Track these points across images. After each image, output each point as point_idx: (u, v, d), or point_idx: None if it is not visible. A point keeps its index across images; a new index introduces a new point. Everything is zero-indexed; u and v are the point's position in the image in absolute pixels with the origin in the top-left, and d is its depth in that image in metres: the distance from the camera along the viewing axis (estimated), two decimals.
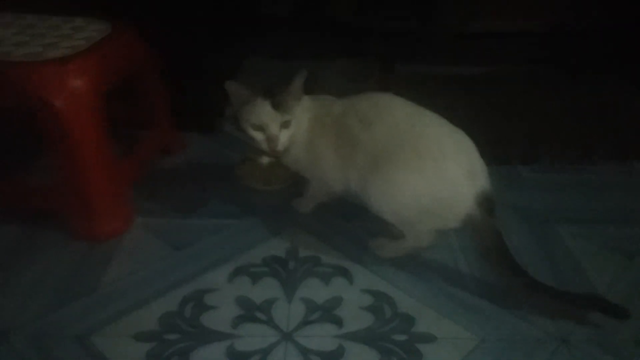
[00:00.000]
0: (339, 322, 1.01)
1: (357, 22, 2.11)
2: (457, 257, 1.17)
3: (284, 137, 1.08)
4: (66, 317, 1.02)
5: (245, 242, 1.21)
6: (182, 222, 1.27)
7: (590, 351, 0.95)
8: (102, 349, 0.95)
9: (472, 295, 1.07)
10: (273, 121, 1.07)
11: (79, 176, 1.14)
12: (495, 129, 1.60)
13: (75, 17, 1.28)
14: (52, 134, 1.09)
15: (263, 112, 1.07)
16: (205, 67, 1.60)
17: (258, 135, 1.09)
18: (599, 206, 1.34)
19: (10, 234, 1.23)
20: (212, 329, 1.00)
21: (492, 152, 1.10)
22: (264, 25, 2.08)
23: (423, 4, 2.14)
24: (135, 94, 1.38)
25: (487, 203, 1.01)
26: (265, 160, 1.45)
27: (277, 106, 1.07)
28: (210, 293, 1.07)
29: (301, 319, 1.02)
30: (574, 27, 2.14)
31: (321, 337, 0.98)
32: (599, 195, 1.39)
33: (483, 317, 1.02)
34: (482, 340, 0.98)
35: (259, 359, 0.94)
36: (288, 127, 1.09)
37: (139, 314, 1.02)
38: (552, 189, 1.41)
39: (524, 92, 1.89)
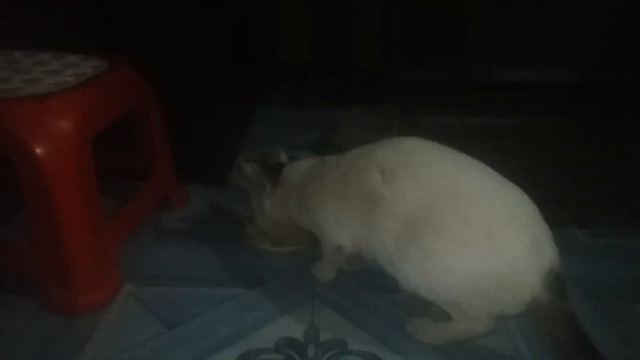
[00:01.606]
0: None
1: (378, 71, 1.98)
2: (518, 344, 0.94)
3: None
4: None
5: (254, 319, 0.99)
6: (179, 292, 1.06)
7: None
8: None
9: None
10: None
11: (56, 236, 0.94)
12: (537, 187, 1.42)
13: (68, 54, 1.13)
14: (28, 183, 0.91)
15: None
16: (215, 113, 1.44)
17: None
18: None
19: None
20: None
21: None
22: (279, 71, 1.95)
23: (448, 51, 2.02)
24: (132, 139, 1.21)
25: (556, 282, 0.80)
26: None
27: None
28: None
29: None
30: (607, 78, 2.00)
31: None
32: None
33: None
34: None
35: None
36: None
37: None
38: (616, 256, 1.19)
39: (562, 147, 1.72)
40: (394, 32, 1.97)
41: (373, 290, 1.07)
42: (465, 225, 0.81)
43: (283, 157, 1.18)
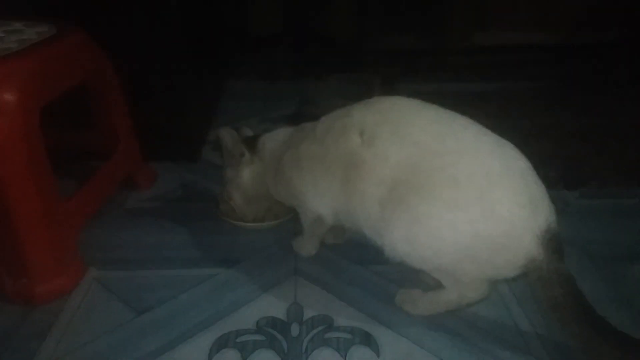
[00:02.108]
0: None
1: (354, 39, 1.89)
2: (514, 312, 0.89)
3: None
4: None
5: (232, 299, 0.92)
6: (149, 276, 0.97)
7: None
8: None
9: None
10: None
11: (7, 221, 0.85)
12: (524, 150, 1.38)
13: (13, 20, 1.02)
14: None
15: None
16: (183, 87, 1.34)
17: None
18: None
19: None
20: None
21: None
22: (250, 42, 1.85)
23: (426, 17, 1.94)
24: (90, 114, 1.11)
25: (553, 242, 0.74)
26: None
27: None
28: None
29: None
30: (590, 41, 1.95)
31: None
32: None
33: None
34: None
35: None
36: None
37: None
38: (608, 218, 1.15)
39: (547, 110, 1.68)
40: None
41: (359, 263, 1.00)
42: (454, 185, 0.75)
43: (247, 131, 1.09)
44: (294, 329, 0.86)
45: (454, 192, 0.74)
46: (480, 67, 1.90)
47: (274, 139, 1.03)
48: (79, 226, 0.97)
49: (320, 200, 0.91)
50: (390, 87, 1.73)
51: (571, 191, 1.24)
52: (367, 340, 0.84)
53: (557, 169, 1.31)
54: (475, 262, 0.76)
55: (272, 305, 0.91)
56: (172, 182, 1.28)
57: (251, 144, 1.04)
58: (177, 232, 1.09)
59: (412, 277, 0.92)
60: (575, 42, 1.97)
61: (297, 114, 1.61)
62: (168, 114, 1.29)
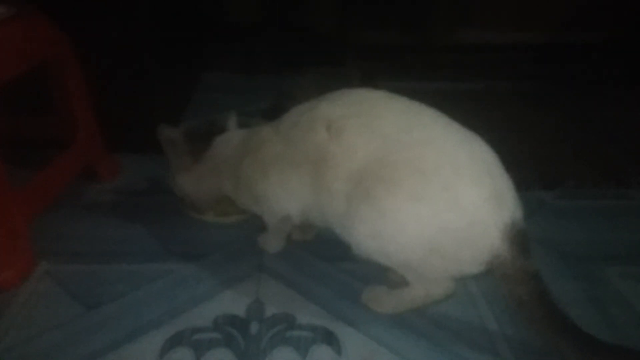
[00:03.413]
0: None
1: (336, 33, 1.86)
2: (481, 311, 0.86)
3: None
4: None
5: (190, 296, 0.88)
6: (103, 270, 0.93)
7: None
8: None
9: None
10: None
11: None
12: (504, 150, 1.35)
13: None
14: None
15: None
16: (152, 75, 1.29)
17: None
18: None
19: None
20: None
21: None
22: (227, 33, 1.80)
23: (410, 13, 1.91)
24: (49, 102, 1.05)
25: (518, 237, 0.72)
26: None
27: None
28: None
29: None
30: (575, 42, 1.94)
31: None
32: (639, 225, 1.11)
33: None
34: None
35: None
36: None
37: None
38: (583, 218, 1.13)
39: (527, 110, 1.66)
40: None
41: (326, 260, 0.97)
42: (420, 178, 0.72)
43: (233, 123, 1.04)
44: (254, 327, 0.82)
45: (420, 184, 0.72)
46: (463, 65, 1.88)
47: (227, 143, 0.98)
48: (30, 217, 0.91)
49: (289, 200, 0.87)
50: (370, 83, 1.70)
51: (548, 191, 1.22)
52: (329, 339, 0.80)
53: (534, 169, 1.29)
54: (440, 256, 0.73)
55: (233, 303, 0.87)
56: (137, 174, 1.23)
57: (198, 146, 0.99)
58: (138, 226, 1.05)
59: (379, 275, 0.89)
60: (560, 43, 1.96)
61: (274, 108, 1.57)
62: (135, 103, 1.24)
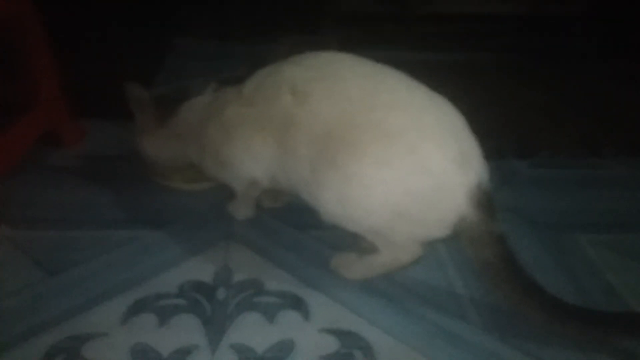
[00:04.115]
0: None
1: (314, 1, 1.81)
2: (450, 275, 0.86)
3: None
4: None
5: (155, 262, 0.86)
6: (65, 236, 0.90)
7: None
8: None
9: (475, 329, 0.76)
10: None
11: None
12: (479, 119, 1.34)
13: None
14: None
15: None
16: (121, 39, 1.24)
17: None
18: (615, 208, 1.07)
19: None
20: None
21: (479, 144, 0.77)
22: None
23: None
24: (7, 62, 1.00)
25: (484, 200, 0.71)
26: None
27: None
28: (93, 341, 0.71)
29: None
30: (555, 14, 1.93)
31: None
32: (612, 195, 1.12)
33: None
34: None
35: None
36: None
37: None
38: (556, 187, 1.13)
39: (506, 81, 1.65)
40: None
41: (296, 228, 0.95)
42: (385, 141, 0.70)
43: (211, 92, 0.98)
44: (220, 293, 0.81)
45: (385, 148, 0.70)
46: (442, 35, 1.85)
47: (192, 110, 0.94)
48: None
49: (255, 164, 0.85)
50: (347, 52, 1.67)
51: (522, 160, 1.22)
52: (297, 304, 0.79)
53: (509, 139, 1.29)
54: (406, 220, 0.72)
55: (200, 269, 0.85)
56: (104, 140, 1.19)
57: (163, 110, 0.95)
58: (102, 192, 1.02)
59: (348, 242, 0.88)
60: (539, 15, 1.94)
61: (249, 76, 1.53)
62: (104, 67, 1.19)
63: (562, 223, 1.01)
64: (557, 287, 0.77)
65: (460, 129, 0.74)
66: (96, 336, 0.72)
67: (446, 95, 0.79)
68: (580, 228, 1.00)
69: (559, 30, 1.94)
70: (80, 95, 1.15)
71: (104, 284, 0.81)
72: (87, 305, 0.77)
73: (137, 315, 0.76)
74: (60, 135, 1.11)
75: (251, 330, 0.75)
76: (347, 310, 0.79)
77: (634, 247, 0.95)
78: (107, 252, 0.87)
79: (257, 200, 0.97)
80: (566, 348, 0.72)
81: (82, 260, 0.85)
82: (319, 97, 0.75)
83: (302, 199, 0.83)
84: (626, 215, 1.05)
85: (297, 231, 0.95)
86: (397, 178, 0.70)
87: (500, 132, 1.30)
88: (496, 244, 0.71)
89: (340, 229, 0.78)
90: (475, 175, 0.71)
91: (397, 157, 0.70)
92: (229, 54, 1.62)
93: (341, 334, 0.74)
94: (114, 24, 1.21)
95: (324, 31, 1.74)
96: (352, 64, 0.80)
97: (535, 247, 0.94)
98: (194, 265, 0.86)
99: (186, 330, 0.74)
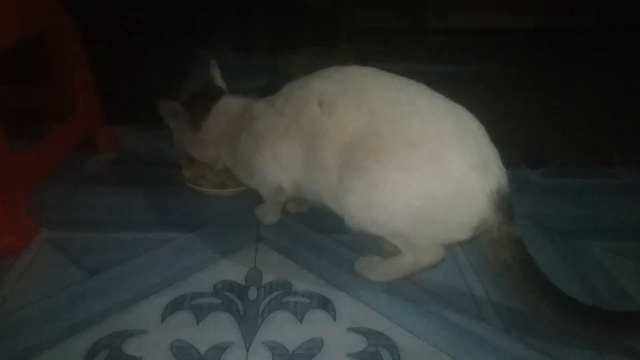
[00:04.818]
0: None
1: (331, 13, 1.86)
2: (469, 278, 0.90)
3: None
4: None
5: (189, 263, 0.90)
6: (104, 238, 0.95)
7: None
8: None
9: (495, 331, 0.80)
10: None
11: None
12: (491, 129, 1.39)
13: None
14: None
15: None
16: (151, 50, 1.30)
17: None
18: (626, 216, 1.11)
19: None
20: None
21: None
22: (224, 11, 1.79)
23: None
24: (47, 72, 1.06)
25: (504, 203, 0.76)
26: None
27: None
28: (134, 337, 0.75)
29: None
30: (564, 26, 1.98)
31: None
32: (622, 203, 1.16)
33: None
34: None
35: None
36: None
37: None
38: (567, 196, 1.17)
39: (515, 92, 1.70)
40: None
41: (320, 232, 1.00)
42: (408, 149, 0.75)
43: (216, 72, 1.07)
44: (252, 293, 0.85)
45: (409, 155, 0.75)
46: (453, 48, 1.90)
47: (223, 114, 0.99)
48: (29, 185, 0.93)
49: (282, 172, 0.89)
50: (363, 64, 1.72)
51: (533, 170, 1.26)
52: (325, 304, 0.83)
53: (521, 148, 1.33)
54: (429, 223, 0.76)
55: (231, 270, 0.90)
56: (136, 147, 1.25)
57: (197, 115, 0.99)
58: (136, 196, 1.07)
59: (371, 245, 0.92)
60: (547, 27, 1.99)
61: (269, 87, 1.58)
62: (134, 77, 1.25)
63: (574, 230, 1.04)
64: (571, 291, 0.79)
65: (479, 135, 0.78)
66: (137, 333, 0.76)
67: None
68: (592, 235, 1.03)
69: (568, 42, 1.99)
70: (112, 103, 1.21)
71: (141, 283, 0.85)
72: (126, 304, 0.81)
73: (174, 313, 0.80)
74: (95, 142, 1.16)
75: (282, 328, 0.79)
76: (372, 311, 0.82)
77: None
78: (142, 253, 0.91)
79: (283, 206, 1.01)
80: (584, 349, 0.76)
81: (119, 261, 0.89)
82: (345, 109, 0.80)
83: (323, 206, 0.87)
84: (635, 223, 1.08)
85: (320, 235, 0.99)
86: (420, 183, 0.74)
87: (511, 141, 1.35)
88: (514, 245, 0.75)
89: (362, 234, 0.83)
90: (495, 180, 0.75)
91: (421, 163, 0.74)
92: (251, 65, 1.68)
93: (367, 333, 0.78)
94: (143, 36, 1.27)
95: (341, 44, 1.80)
96: (374, 76, 0.84)
97: (549, 253, 0.98)
98: (225, 266, 0.90)
99: (221, 327, 0.78)
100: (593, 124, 1.49)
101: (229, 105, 1.00)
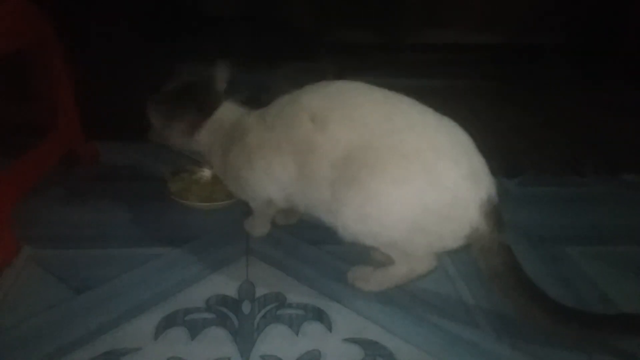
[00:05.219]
0: None
1: (310, 29, 1.89)
2: (458, 286, 0.92)
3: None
4: None
5: (179, 278, 0.89)
6: (90, 255, 0.92)
7: None
8: None
9: (487, 337, 0.82)
10: None
11: None
12: None
13: None
14: None
15: None
16: (132, 65, 1.29)
17: None
18: (600, 222, 1.16)
19: None
20: None
21: None
22: (203, 25, 1.80)
23: (380, 14, 1.97)
24: (29, 87, 1.03)
25: (493, 212, 0.78)
26: (206, 172, 1.15)
27: None
28: (129, 355, 0.74)
29: None
30: (533, 43, 2.07)
31: None
32: (595, 210, 1.21)
33: None
34: None
35: None
36: None
37: None
38: (544, 204, 1.22)
39: (490, 106, 1.76)
40: None
41: (311, 243, 1.00)
42: (402, 162, 0.77)
43: (223, 73, 1.06)
44: (245, 307, 0.84)
45: (403, 168, 0.76)
46: (428, 63, 1.96)
47: (224, 119, 0.97)
48: (10, 201, 0.90)
49: (272, 186, 0.90)
50: (342, 79, 1.75)
51: (510, 180, 1.31)
52: (320, 316, 0.84)
53: (497, 159, 1.37)
54: (424, 233, 0.78)
55: (223, 284, 0.89)
56: (117, 161, 1.22)
57: (196, 120, 0.97)
58: (122, 211, 1.05)
59: (363, 256, 0.93)
60: (519, 44, 2.08)
61: (250, 102, 1.59)
62: (115, 91, 1.23)
63: (553, 236, 1.08)
64: (555, 296, 0.82)
65: (469, 147, 0.81)
66: (131, 351, 0.74)
67: None
68: (570, 241, 1.07)
69: (536, 59, 2.08)
70: (92, 119, 1.18)
71: (132, 300, 0.83)
72: (118, 322, 0.79)
73: (168, 330, 0.78)
74: (77, 157, 1.13)
75: (279, 341, 0.78)
76: (367, 321, 0.83)
77: (622, 258, 1.03)
78: (131, 270, 0.90)
79: (272, 218, 1.01)
80: (573, 351, 0.79)
81: (107, 278, 0.87)
82: (338, 124, 0.81)
83: (315, 217, 0.88)
84: (609, 229, 1.13)
85: (311, 246, 1.00)
86: (415, 195, 0.76)
87: (486, 153, 1.39)
88: (504, 253, 0.78)
89: (353, 245, 0.83)
90: (486, 189, 0.78)
91: (414, 175, 0.76)
92: (231, 79, 1.67)
93: (364, 343, 0.79)
94: (125, 51, 1.26)
95: (321, 59, 1.83)
96: (365, 91, 0.86)
97: (532, 259, 1.01)
98: (217, 281, 0.89)
99: (217, 342, 0.77)
100: (564, 136, 1.56)
101: (226, 114, 0.98)
